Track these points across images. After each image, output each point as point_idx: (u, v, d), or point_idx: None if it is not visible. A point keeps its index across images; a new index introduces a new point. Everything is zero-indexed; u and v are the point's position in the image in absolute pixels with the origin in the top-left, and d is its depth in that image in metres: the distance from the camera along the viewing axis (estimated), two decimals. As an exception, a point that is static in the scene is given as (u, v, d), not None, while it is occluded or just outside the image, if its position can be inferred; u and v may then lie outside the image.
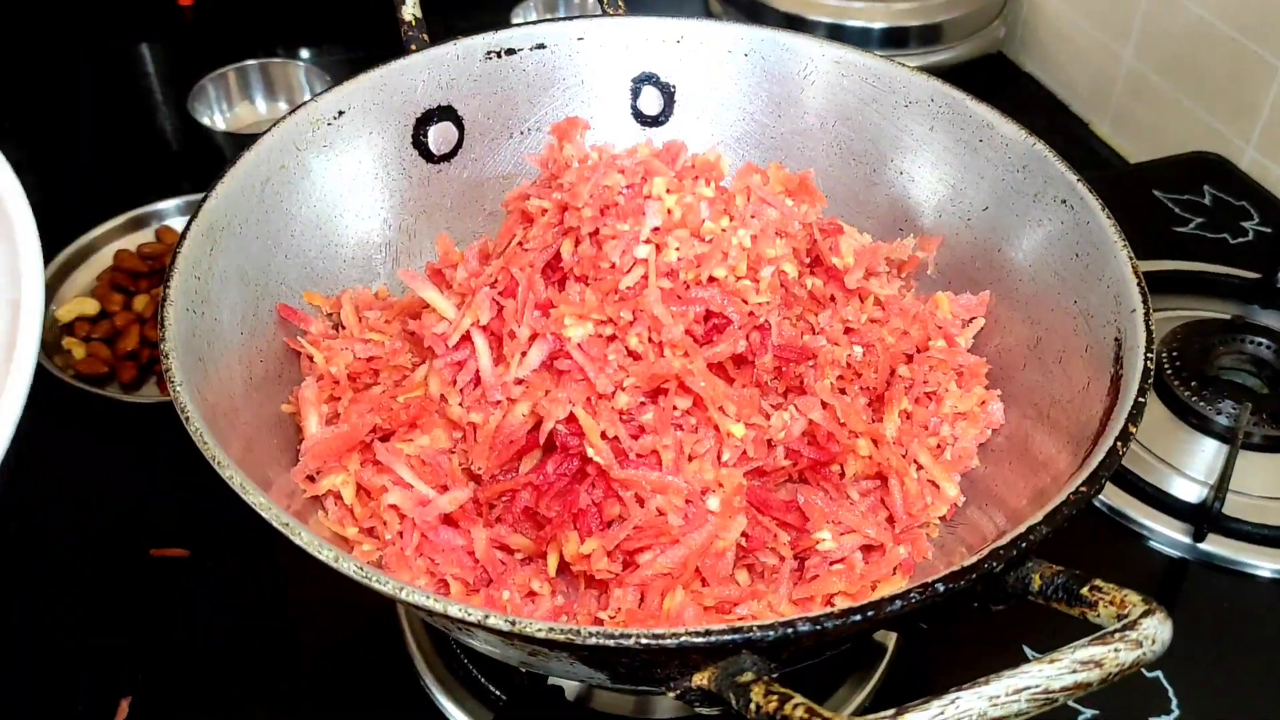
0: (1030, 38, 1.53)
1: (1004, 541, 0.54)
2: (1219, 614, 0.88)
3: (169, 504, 0.95)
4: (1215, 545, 0.90)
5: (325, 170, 0.80)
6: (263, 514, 0.55)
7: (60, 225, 1.12)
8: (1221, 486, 0.89)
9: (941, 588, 0.52)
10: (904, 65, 0.83)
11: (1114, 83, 1.41)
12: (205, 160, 1.32)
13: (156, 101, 1.46)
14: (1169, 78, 1.34)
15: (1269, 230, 1.19)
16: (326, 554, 0.53)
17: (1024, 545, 0.54)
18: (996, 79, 1.51)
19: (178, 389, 0.60)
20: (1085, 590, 0.52)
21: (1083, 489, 0.56)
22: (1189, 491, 0.93)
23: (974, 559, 0.53)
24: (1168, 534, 0.91)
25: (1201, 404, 0.97)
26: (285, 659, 0.85)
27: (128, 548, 0.92)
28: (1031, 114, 1.45)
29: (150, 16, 1.58)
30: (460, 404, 0.69)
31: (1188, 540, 0.90)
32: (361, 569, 0.53)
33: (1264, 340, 1.03)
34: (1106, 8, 1.40)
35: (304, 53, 1.51)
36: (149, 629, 0.87)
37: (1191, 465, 0.95)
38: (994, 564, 0.53)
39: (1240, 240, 1.19)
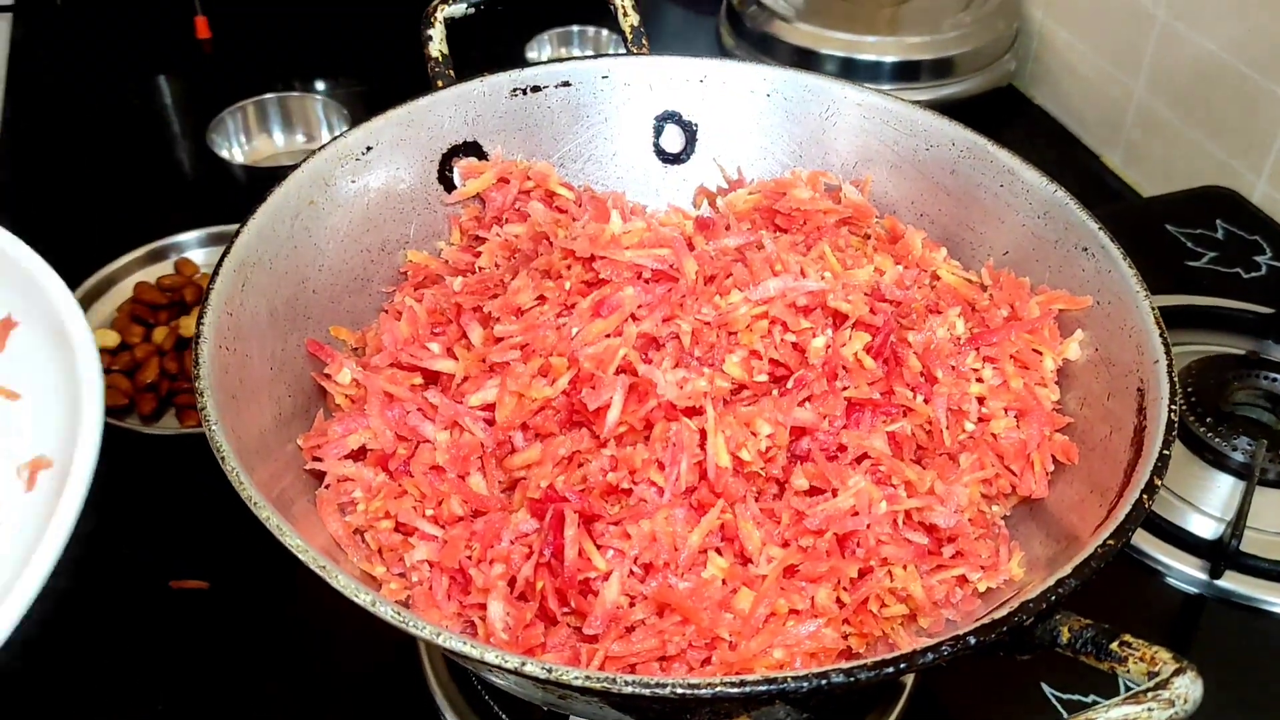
0: (1041, 71, 1.55)
1: (1033, 594, 0.54)
2: (1236, 651, 0.88)
3: (189, 536, 0.96)
4: (1232, 582, 0.91)
5: (353, 205, 0.81)
6: (300, 556, 0.56)
7: (80, 258, 1.13)
8: (1239, 523, 0.90)
9: (972, 640, 0.52)
10: (927, 109, 0.84)
11: (1124, 116, 1.43)
12: (224, 193, 1.33)
13: (175, 134, 1.47)
14: (1180, 111, 1.35)
15: (1281, 266, 1.20)
16: (364, 598, 0.54)
17: (1053, 598, 0.54)
18: (1008, 112, 1.53)
19: (213, 428, 0.61)
20: (1115, 645, 0.53)
21: (1110, 542, 0.57)
22: (1205, 528, 0.94)
23: (1004, 611, 0.54)
24: (1185, 571, 0.92)
25: (1217, 440, 0.98)
26: (304, 691, 0.86)
27: (147, 579, 0.92)
28: (1042, 146, 1.48)
29: (169, 50, 1.60)
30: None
31: (1204, 577, 0.91)
32: (399, 614, 0.53)
33: (1278, 376, 1.03)
34: (1116, 41, 1.41)
35: (320, 85, 1.52)
36: (169, 660, 0.88)
37: (1208, 502, 0.95)
38: (1024, 617, 0.53)
39: (1253, 275, 1.20)
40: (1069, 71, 1.50)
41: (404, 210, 0.84)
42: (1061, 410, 0.73)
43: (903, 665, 0.52)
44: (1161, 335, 0.67)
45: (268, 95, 1.42)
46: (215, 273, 0.70)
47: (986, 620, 0.53)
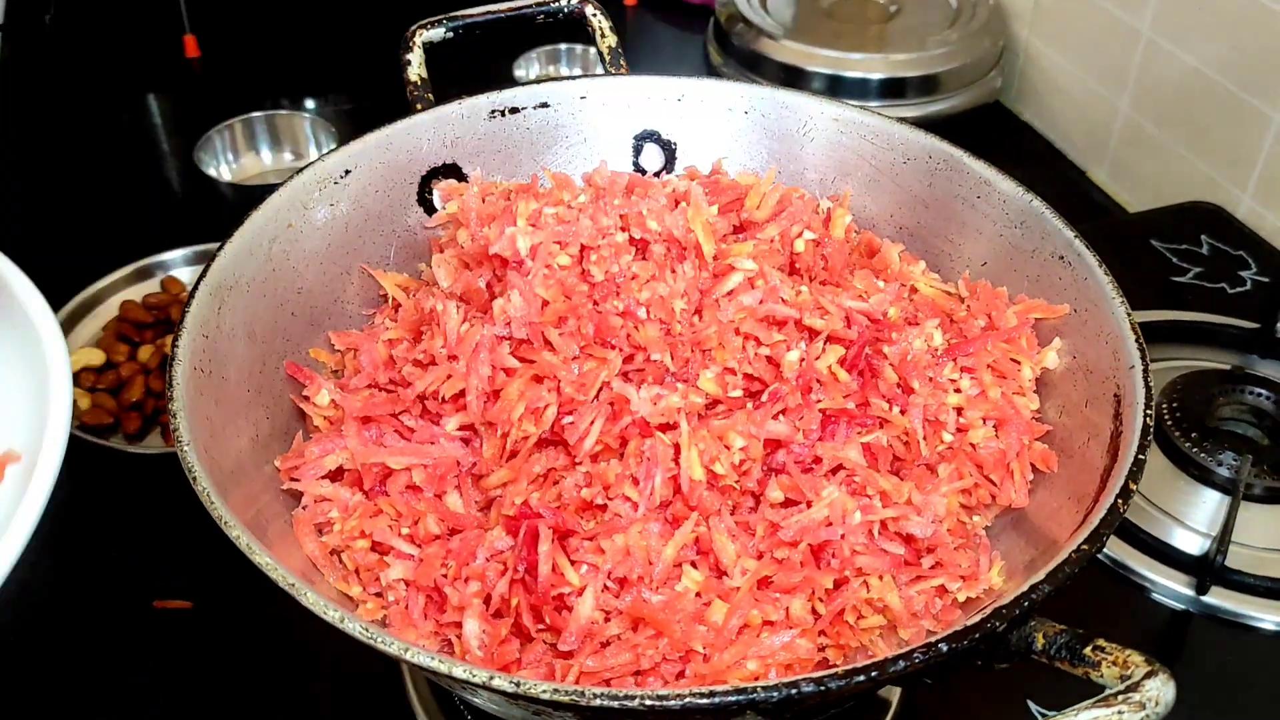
0: (1027, 88, 1.55)
1: (1006, 600, 0.54)
2: (1222, 667, 0.87)
3: (173, 555, 0.96)
4: (1218, 598, 0.90)
5: (332, 228, 0.81)
6: (270, 574, 0.56)
7: (66, 275, 1.13)
8: (1224, 539, 0.90)
9: (945, 647, 0.52)
10: (902, 122, 0.84)
11: (1110, 132, 1.43)
12: (211, 211, 1.33)
13: (163, 152, 1.48)
14: (1165, 127, 1.36)
15: (1267, 279, 1.20)
16: (332, 615, 0.54)
17: (1027, 604, 0.54)
18: (994, 128, 1.53)
19: (185, 449, 0.61)
20: (1088, 650, 0.52)
21: (1084, 547, 0.56)
22: (1191, 543, 0.93)
23: (977, 618, 0.53)
24: (1170, 586, 0.91)
25: (1202, 455, 0.97)
26: (287, 712, 0.85)
27: (131, 599, 0.92)
28: (1029, 163, 1.49)
29: (157, 68, 1.61)
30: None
31: (1190, 593, 0.90)
32: (367, 630, 0.53)
33: (1264, 391, 1.03)
34: (1102, 58, 1.42)
35: (309, 104, 1.53)
36: (152, 681, 0.87)
37: (1193, 517, 0.95)
38: (997, 623, 0.53)
39: (1238, 290, 1.20)
40: (1055, 88, 1.51)
41: (383, 233, 0.84)
42: (1041, 419, 0.73)
43: (874, 674, 0.51)
44: (1137, 340, 0.67)
45: (255, 113, 1.42)
46: (191, 295, 0.70)
47: (959, 627, 0.53)
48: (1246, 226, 1.27)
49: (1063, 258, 0.75)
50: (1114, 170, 1.45)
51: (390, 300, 0.82)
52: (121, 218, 1.35)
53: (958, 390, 0.72)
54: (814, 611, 0.62)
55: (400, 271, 0.85)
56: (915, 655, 0.52)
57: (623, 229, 0.72)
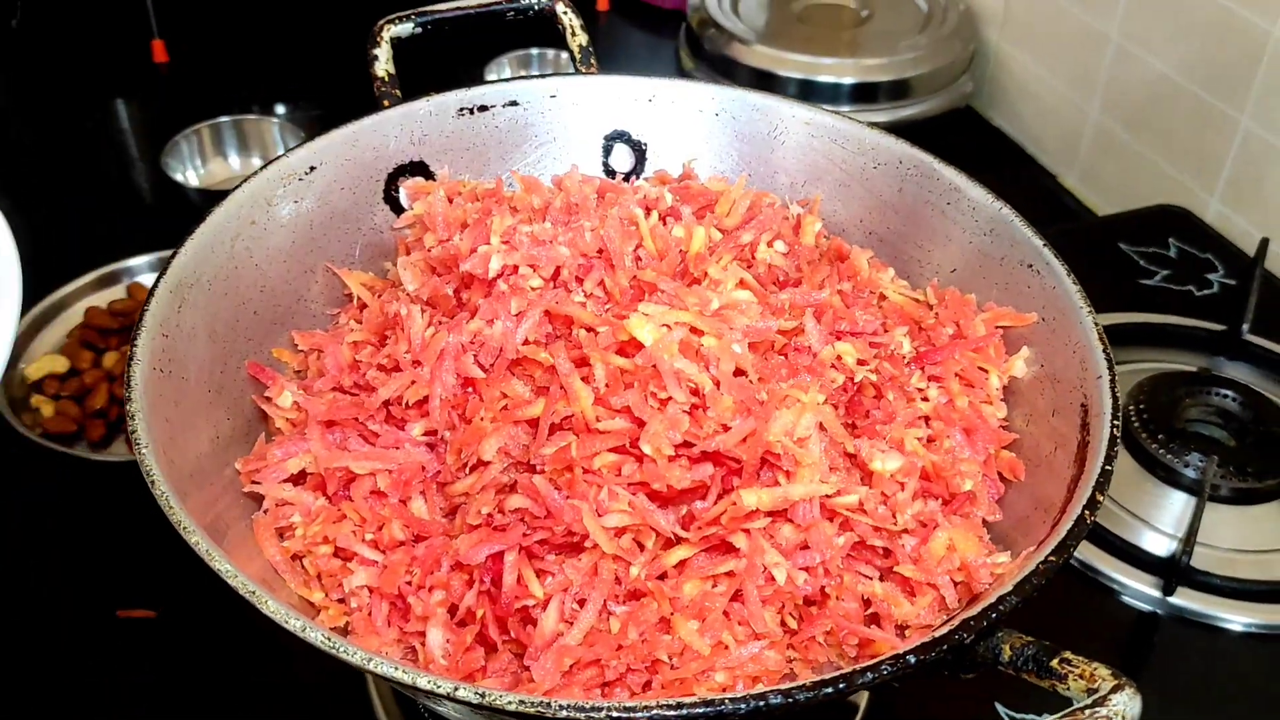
0: (998, 93, 1.56)
1: (974, 612, 0.54)
2: (1190, 668, 0.88)
3: (136, 564, 0.94)
4: (1185, 599, 0.91)
5: (296, 226, 0.80)
6: (229, 581, 0.55)
7: (31, 282, 1.11)
8: (1189, 540, 0.90)
9: (912, 659, 0.52)
10: (874, 127, 0.84)
11: (1081, 137, 1.44)
12: (178, 217, 1.30)
13: (130, 157, 1.46)
14: (1134, 132, 1.36)
15: (1233, 282, 1.21)
16: (293, 624, 0.53)
17: (994, 616, 0.54)
18: (965, 133, 1.54)
19: (143, 452, 0.60)
20: (1055, 662, 0.52)
21: (1051, 558, 0.56)
22: (1158, 545, 0.94)
23: (944, 630, 0.53)
24: (1138, 588, 0.92)
25: (1169, 457, 0.98)
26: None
27: (94, 608, 0.90)
28: (1000, 167, 1.49)
29: (125, 73, 1.59)
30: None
31: (1157, 594, 0.91)
32: (329, 639, 0.52)
33: (1230, 392, 1.04)
34: (1071, 63, 1.42)
35: (278, 109, 1.52)
36: (115, 690, 0.86)
37: (1160, 518, 0.96)
38: (964, 635, 0.53)
39: (1205, 292, 1.20)
40: (1025, 93, 1.51)
41: (349, 231, 0.83)
42: (1008, 427, 0.73)
43: (842, 685, 0.51)
44: (1104, 351, 0.67)
45: (223, 118, 1.41)
46: (150, 294, 0.68)
47: (927, 639, 0.53)
48: (1214, 230, 1.28)
49: (1031, 265, 0.75)
50: (1084, 174, 1.45)
51: (355, 300, 0.81)
52: (87, 223, 1.33)
53: (925, 399, 0.72)
54: (783, 624, 0.62)
55: (365, 270, 0.83)
56: (883, 667, 0.51)
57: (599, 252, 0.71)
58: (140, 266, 1.18)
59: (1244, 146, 1.24)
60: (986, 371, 0.74)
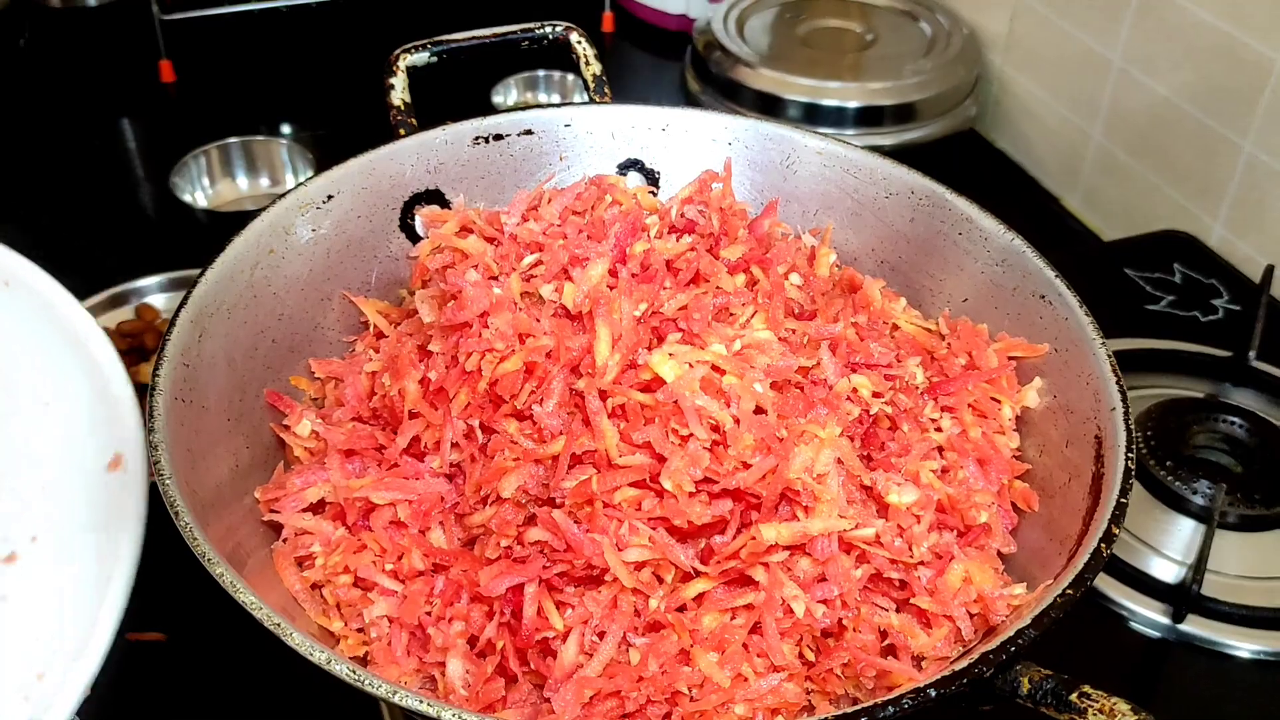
0: (1001, 116, 1.57)
1: (993, 646, 0.54)
2: (1200, 695, 0.88)
3: (146, 587, 0.94)
4: (1195, 626, 0.91)
5: (314, 254, 0.81)
6: (254, 614, 0.55)
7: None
8: (1199, 568, 0.90)
9: (932, 693, 0.52)
10: (886, 157, 0.85)
11: (1084, 160, 1.45)
12: (186, 237, 1.32)
13: (139, 178, 1.47)
14: (1137, 156, 1.37)
15: (1238, 308, 1.21)
16: (318, 656, 0.53)
17: (1013, 649, 0.54)
18: (970, 156, 1.54)
19: (167, 483, 0.60)
20: (1074, 697, 0.52)
21: (1069, 592, 0.57)
22: (1167, 572, 0.94)
23: (963, 663, 0.54)
24: (1148, 615, 0.92)
25: (1178, 484, 0.98)
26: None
27: (104, 631, 0.90)
28: (1003, 190, 1.50)
29: (133, 93, 1.59)
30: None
31: (1167, 621, 0.91)
32: (354, 672, 0.52)
33: (1237, 419, 1.05)
34: (1074, 87, 1.43)
35: (286, 129, 1.52)
36: (125, 715, 0.86)
37: (1169, 545, 0.96)
38: (984, 668, 0.53)
39: (1211, 318, 1.21)
40: (1029, 116, 1.52)
41: (365, 258, 0.84)
42: (1021, 457, 0.73)
43: (864, 719, 0.51)
44: (1118, 382, 0.68)
45: (231, 139, 1.41)
46: (171, 323, 0.69)
47: (947, 672, 0.53)
48: (1218, 255, 1.29)
49: (1043, 296, 0.76)
50: (1087, 198, 1.46)
51: (371, 327, 0.82)
52: (96, 244, 1.33)
53: (939, 429, 0.73)
54: (802, 657, 0.62)
55: (382, 298, 0.84)
56: (904, 701, 0.52)
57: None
58: (149, 287, 1.19)
59: (1247, 172, 1.25)
60: (999, 402, 0.74)
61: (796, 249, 0.79)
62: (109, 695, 0.86)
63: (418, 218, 0.86)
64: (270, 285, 0.77)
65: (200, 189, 1.39)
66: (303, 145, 1.43)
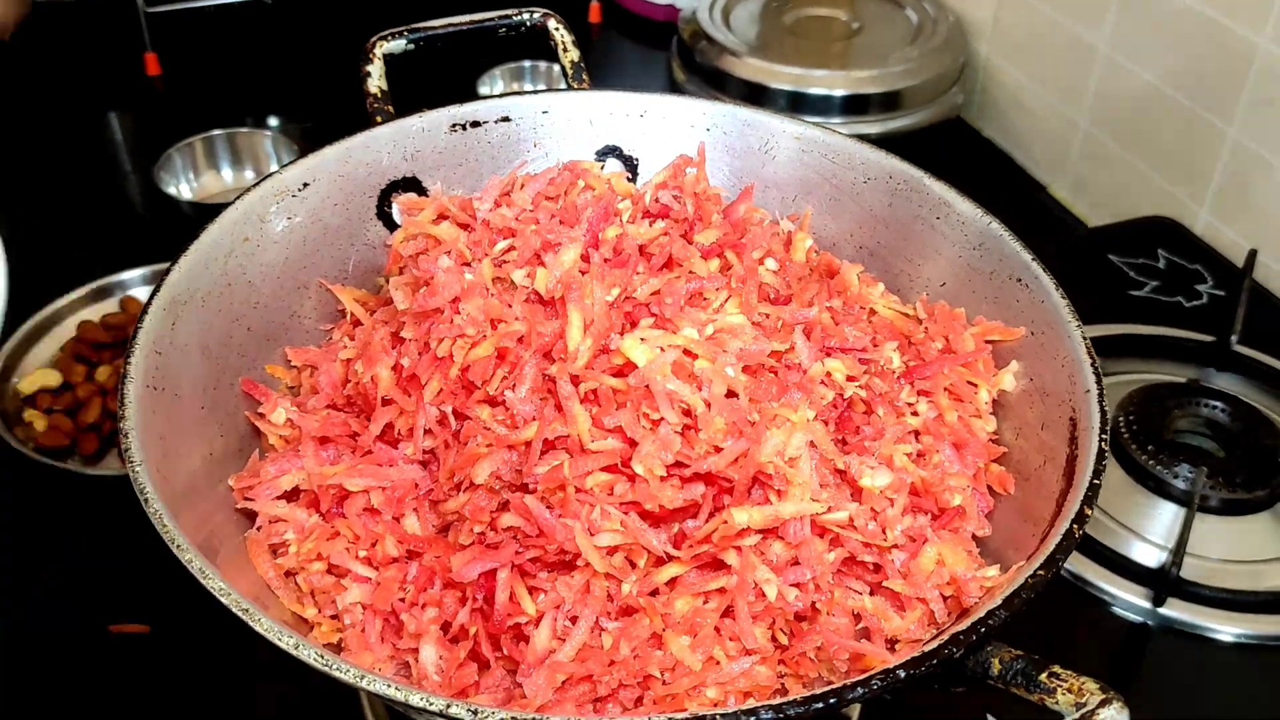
0: (988, 104, 1.57)
1: (963, 627, 0.54)
2: (1181, 679, 0.88)
3: (129, 579, 0.94)
4: (1175, 610, 0.91)
5: (289, 242, 0.80)
6: (222, 599, 0.55)
7: (23, 296, 1.11)
8: (1179, 551, 0.90)
9: (902, 673, 0.52)
10: (864, 142, 0.84)
11: (1070, 147, 1.44)
12: (171, 230, 1.32)
13: (124, 171, 1.46)
14: (1123, 143, 1.37)
15: (1222, 293, 1.21)
16: (286, 641, 0.53)
17: (983, 630, 0.54)
18: (956, 144, 1.54)
19: (137, 469, 0.60)
20: (1044, 676, 0.52)
21: (1040, 573, 0.57)
22: (1148, 556, 0.94)
23: (934, 644, 0.53)
24: (1128, 599, 0.92)
25: (1159, 468, 0.98)
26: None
27: (87, 624, 0.90)
28: (990, 178, 1.50)
29: (118, 86, 1.59)
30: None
31: (1148, 605, 0.91)
32: (322, 657, 0.52)
33: (1219, 404, 1.05)
34: (1060, 74, 1.43)
35: (271, 121, 1.52)
36: (108, 706, 0.86)
37: (1150, 529, 0.96)
38: (954, 649, 0.53)
39: (1195, 304, 1.21)
40: (1015, 104, 1.52)
41: (342, 246, 0.83)
42: (998, 441, 0.73)
43: (832, 700, 0.51)
44: (1093, 365, 0.68)
45: (216, 131, 1.41)
46: (144, 311, 0.69)
47: (917, 653, 0.53)
48: (1203, 241, 1.29)
49: (1020, 280, 0.76)
50: (1074, 186, 1.46)
51: (348, 315, 0.81)
52: (80, 237, 1.33)
53: (915, 413, 0.73)
54: (774, 640, 0.62)
55: (359, 286, 0.84)
56: (873, 681, 0.52)
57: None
58: (133, 280, 1.18)
59: (1232, 157, 1.25)
60: (976, 386, 0.74)
61: (773, 234, 0.79)
62: (91, 686, 0.87)
63: (395, 205, 0.86)
64: (245, 273, 0.77)
65: (185, 181, 1.39)
66: (288, 137, 1.42)
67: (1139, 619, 0.92)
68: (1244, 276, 1.14)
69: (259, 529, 0.68)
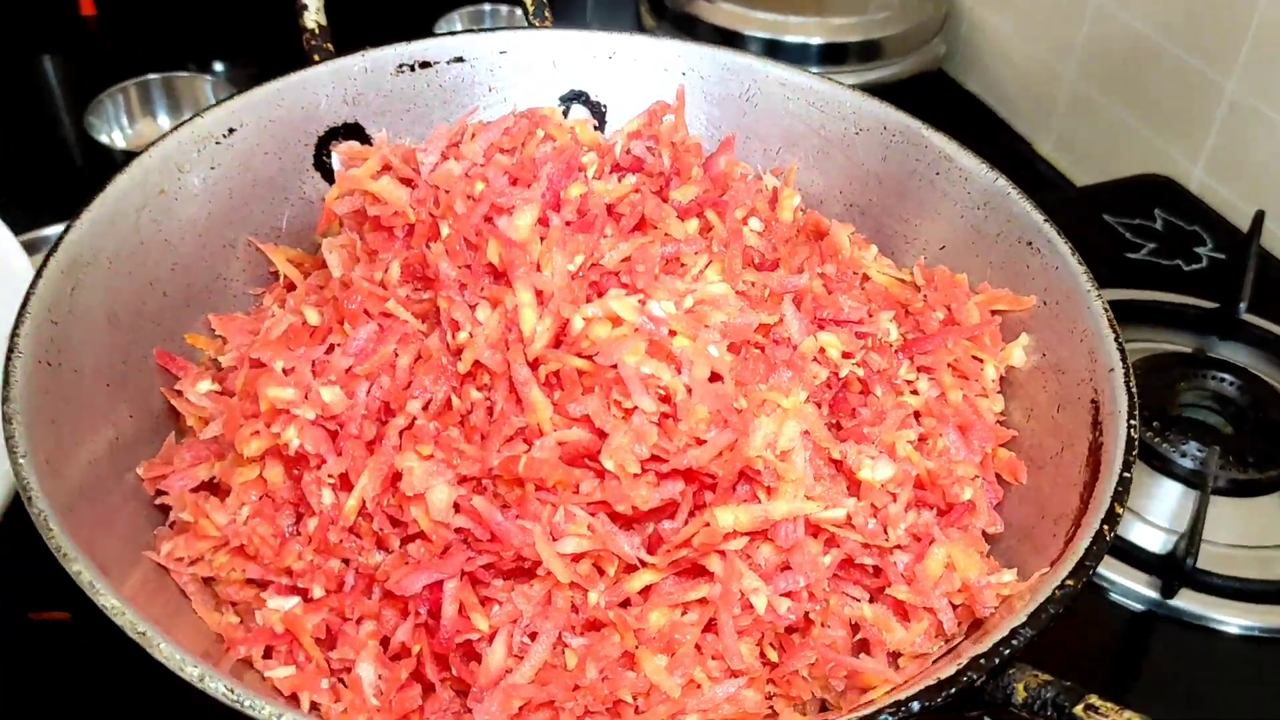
0: (971, 55, 1.49)
1: (984, 648, 0.47)
2: (1184, 675, 0.82)
3: (49, 564, 0.86)
4: (1183, 600, 0.84)
5: (213, 195, 0.72)
6: (115, 620, 0.47)
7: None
8: (1193, 538, 0.83)
9: (916, 705, 0.45)
10: (856, 90, 0.76)
11: (1056, 102, 1.37)
12: (103, 181, 1.21)
13: (55, 117, 1.36)
14: (1113, 97, 1.30)
15: (1222, 256, 1.15)
16: (190, 672, 0.45)
17: (1007, 653, 0.47)
18: (937, 97, 1.47)
19: (20, 462, 0.52)
20: (1080, 709, 0.45)
21: (1069, 583, 0.49)
22: (1153, 540, 0.88)
23: (951, 668, 0.46)
24: (1130, 586, 0.86)
25: (1165, 446, 0.92)
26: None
27: (5, 611, 0.84)
28: (973, 133, 1.40)
29: (51, 27, 1.47)
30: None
31: (1153, 594, 0.85)
32: (232, 692, 0.44)
33: (1227, 375, 0.98)
34: (1047, 24, 1.35)
35: (217, 66, 1.41)
36: (28, 695, 0.80)
37: (1154, 511, 0.89)
38: (974, 675, 0.46)
39: (1194, 267, 1.14)
40: (999, 55, 1.44)
41: (274, 201, 0.75)
42: (1006, 423, 0.66)
43: (834, 738, 0.44)
44: (1116, 340, 0.61)
45: (152, 76, 1.30)
46: (37, 276, 0.60)
47: (931, 680, 0.46)
48: (1201, 201, 1.22)
49: (1030, 243, 0.68)
50: (1060, 142, 1.39)
51: (281, 278, 0.73)
52: (6, 188, 1.23)
53: (915, 393, 0.65)
54: (763, 657, 0.54)
55: (294, 245, 0.76)
56: (882, 716, 0.44)
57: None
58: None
59: (1231, 113, 1.18)
60: (982, 361, 0.67)
61: (756, 190, 0.71)
62: (11, 674, 0.79)
63: (334, 155, 0.77)
64: (161, 231, 0.68)
65: (119, 129, 1.28)
66: (233, 83, 1.31)
67: (1141, 608, 0.85)
68: (1251, 239, 1.07)
69: (172, 525, 0.60)
